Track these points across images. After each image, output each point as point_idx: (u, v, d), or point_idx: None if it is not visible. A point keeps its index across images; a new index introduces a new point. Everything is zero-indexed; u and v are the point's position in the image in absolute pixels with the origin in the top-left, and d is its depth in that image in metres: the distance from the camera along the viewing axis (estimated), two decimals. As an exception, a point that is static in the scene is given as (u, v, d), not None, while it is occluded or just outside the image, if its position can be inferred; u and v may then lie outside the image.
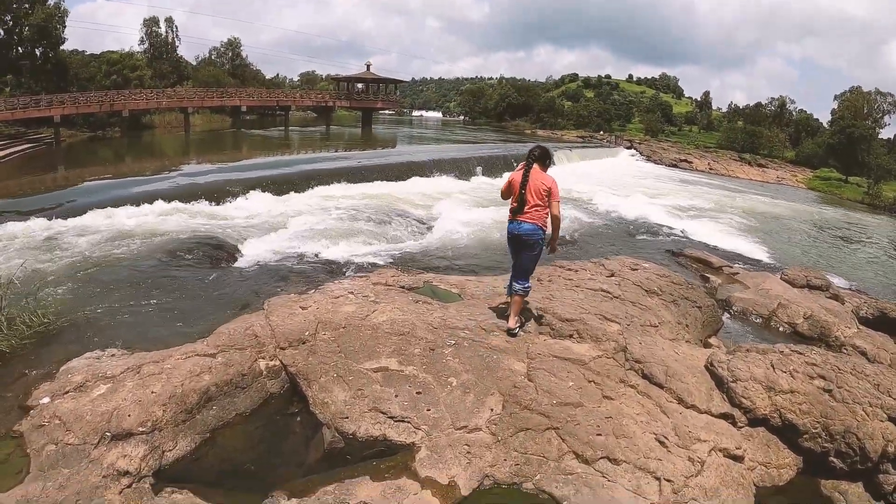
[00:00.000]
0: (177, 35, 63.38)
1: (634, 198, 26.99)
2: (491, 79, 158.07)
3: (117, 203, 13.97)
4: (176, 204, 14.62)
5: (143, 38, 60.98)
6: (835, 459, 5.69)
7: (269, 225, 13.76)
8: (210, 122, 49.25)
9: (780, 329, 11.52)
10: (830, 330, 11.31)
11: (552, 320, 6.62)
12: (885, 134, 72.26)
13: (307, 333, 6.27)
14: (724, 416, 5.71)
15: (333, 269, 10.53)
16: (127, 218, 13.26)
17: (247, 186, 16.71)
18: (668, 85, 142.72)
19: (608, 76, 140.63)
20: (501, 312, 6.86)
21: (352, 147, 36.56)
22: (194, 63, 71.96)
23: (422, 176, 23.58)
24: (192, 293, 9.01)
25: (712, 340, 8.84)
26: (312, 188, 18.51)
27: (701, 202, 30.85)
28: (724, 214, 27.53)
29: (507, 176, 7.38)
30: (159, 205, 14.36)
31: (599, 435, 4.87)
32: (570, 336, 6.36)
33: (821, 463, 5.74)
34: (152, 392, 5.12)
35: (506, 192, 6.56)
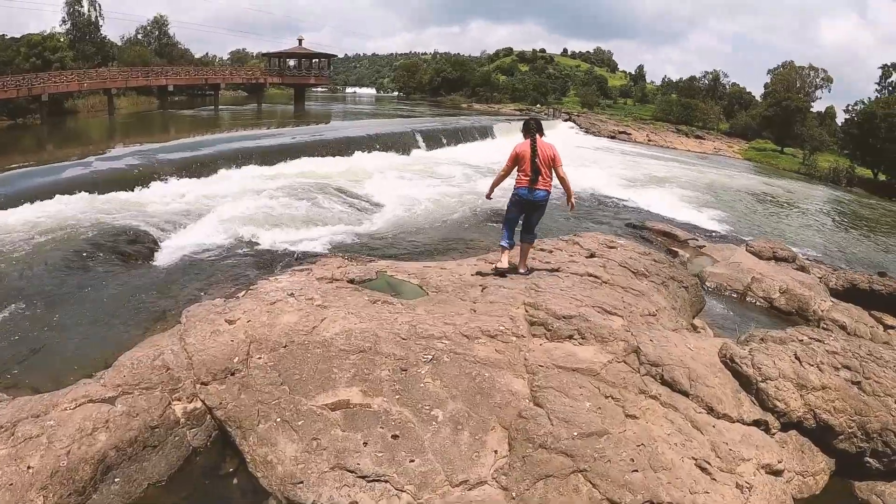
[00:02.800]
0: (100, 14, 59.17)
1: (581, 169, 26.28)
2: (425, 54, 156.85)
3: (12, 199, 11.83)
4: (83, 195, 12.36)
5: (64, 17, 56.69)
6: (871, 460, 5.06)
7: (195, 212, 12.00)
8: (137, 104, 46.04)
9: (757, 304, 11.03)
10: (808, 304, 10.91)
11: (547, 318, 5.55)
12: (816, 107, 74.19)
13: (236, 360, 4.82)
14: (757, 424, 4.83)
15: (268, 262, 9.04)
16: (22, 214, 11.12)
17: (169, 170, 14.80)
18: (602, 59, 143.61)
19: (543, 50, 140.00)
20: (481, 309, 5.82)
21: (285, 124, 34.44)
22: (120, 43, 67.89)
23: (362, 151, 21.97)
24: (95, 304, 7.34)
25: (697, 322, 8.04)
26: (243, 168, 16.77)
27: (647, 172, 30.70)
28: (671, 185, 27.38)
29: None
30: (62, 197, 12.17)
31: (635, 471, 3.80)
32: (571, 337, 5.29)
33: (855, 464, 5.10)
34: (28, 467, 3.67)
35: (511, 165, 6.85)
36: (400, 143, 24.80)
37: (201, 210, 12.17)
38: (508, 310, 5.72)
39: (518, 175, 6.79)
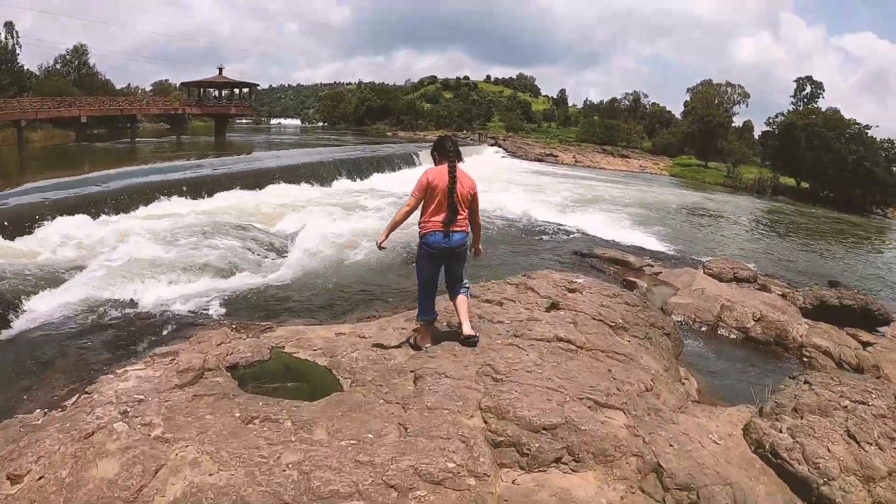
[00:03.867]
0: (17, 42, 55.38)
1: (513, 194, 25.02)
2: (350, 84, 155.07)
3: None
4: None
5: (-21, 45, 52.68)
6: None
7: (78, 261, 9.78)
8: (52, 137, 42.37)
9: (732, 336, 9.78)
10: (786, 331, 9.87)
11: (519, 434, 3.67)
12: (735, 121, 75.98)
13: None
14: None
15: (134, 336, 6.82)
16: None
17: (59, 209, 12.46)
18: (525, 84, 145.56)
19: (466, 77, 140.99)
20: (415, 423, 3.85)
21: (203, 155, 31.81)
22: (38, 73, 63.80)
23: (278, 183, 19.82)
24: None
25: (681, 371, 6.54)
26: (144, 205, 14.53)
27: (579, 194, 29.84)
28: (606, 205, 26.62)
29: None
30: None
31: None
32: (559, 461, 3.47)
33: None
34: None
35: (419, 198, 5.16)
36: (321, 174, 22.66)
37: (87, 256, 10.04)
38: (458, 423, 3.88)
39: (426, 216, 5.12)
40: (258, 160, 25.88)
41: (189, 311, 7.79)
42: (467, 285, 5.53)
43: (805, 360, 9.26)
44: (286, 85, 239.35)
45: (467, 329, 5.30)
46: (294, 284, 9.55)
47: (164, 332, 6.78)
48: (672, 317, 9.72)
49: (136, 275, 8.97)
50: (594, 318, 5.68)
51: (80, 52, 68.99)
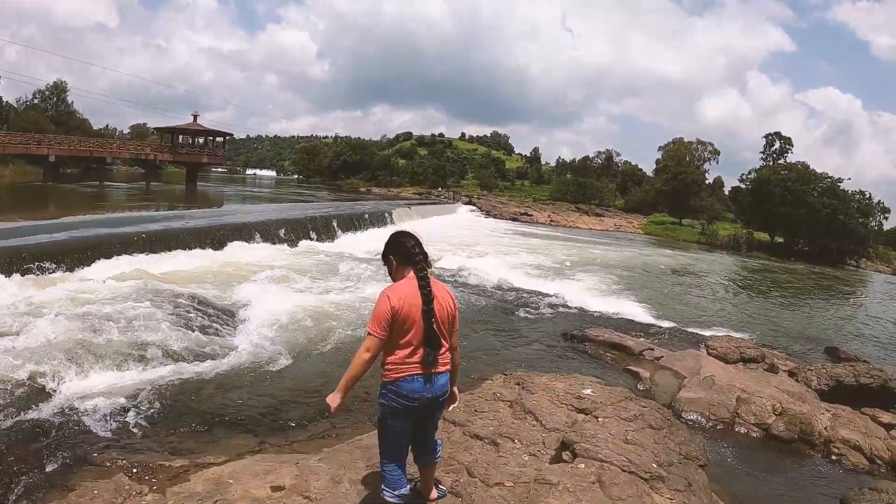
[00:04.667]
0: None
1: (489, 258, 24.01)
2: (326, 137, 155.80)
3: None
4: None
5: (-44, 75, 51.26)
6: None
7: None
8: (24, 173, 40.97)
9: (753, 435, 8.56)
10: (811, 425, 8.70)
11: None
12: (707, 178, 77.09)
13: None
14: None
15: (20, 460, 5.33)
16: None
17: None
18: (499, 142, 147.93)
19: (441, 135, 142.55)
20: None
21: (170, 206, 30.03)
22: (16, 105, 62.20)
23: (242, 241, 18.12)
24: None
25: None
26: (81, 268, 12.34)
27: (558, 257, 28.75)
28: (587, 269, 25.53)
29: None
30: None
31: None
32: None
33: None
34: None
35: (382, 339, 3.65)
36: (288, 232, 21.12)
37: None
38: None
39: (395, 357, 3.69)
40: (229, 213, 24.17)
41: (100, 421, 6.16)
42: (440, 453, 4.22)
43: (834, 458, 8.20)
44: (263, 136, 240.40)
45: (433, 493, 4.24)
46: (239, 380, 7.95)
47: (50, 468, 5.17)
48: (682, 414, 8.63)
49: (45, 361, 7.33)
50: (624, 470, 4.38)
51: (59, 88, 68.17)
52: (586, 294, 18.37)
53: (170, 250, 15.04)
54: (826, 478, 7.63)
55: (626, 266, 29.07)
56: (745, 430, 8.58)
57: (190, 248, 15.70)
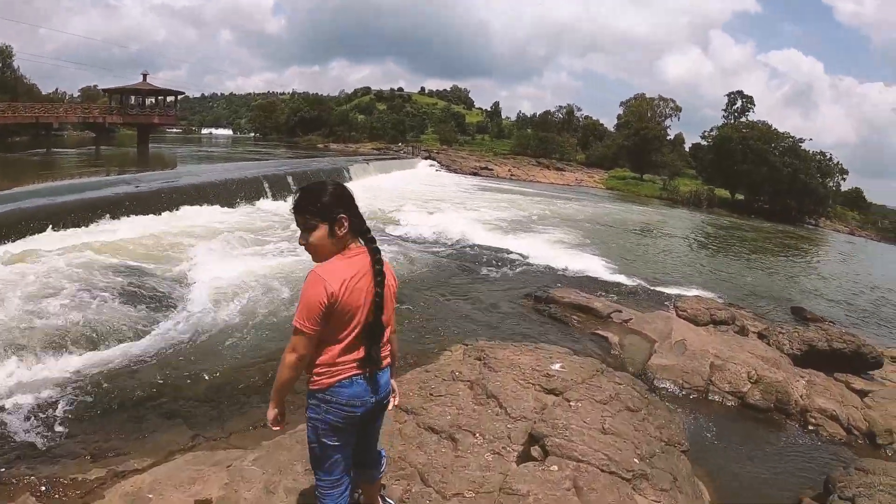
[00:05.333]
0: None
1: (449, 213, 23.17)
2: (283, 94, 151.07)
3: None
4: None
5: None
6: None
7: None
8: None
9: (729, 404, 8.11)
10: (787, 394, 8.25)
11: None
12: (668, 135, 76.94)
13: None
14: None
15: None
16: None
17: None
18: (459, 97, 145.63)
19: (401, 89, 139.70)
20: None
21: (119, 171, 27.97)
22: None
23: (193, 204, 16.59)
24: None
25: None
26: (4, 243, 10.73)
27: (519, 212, 27.95)
28: (549, 224, 24.96)
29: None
30: None
31: None
32: None
33: None
34: None
35: (313, 337, 2.73)
36: (242, 193, 19.60)
37: None
38: None
39: (329, 355, 2.79)
40: (177, 177, 22.22)
41: (15, 424, 5.29)
42: (385, 457, 3.43)
43: (812, 428, 7.77)
44: (219, 94, 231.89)
45: None
46: (178, 360, 7.08)
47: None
48: (654, 381, 8.06)
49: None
50: (603, 471, 3.66)
51: (4, 53, 64.02)
52: (550, 250, 17.74)
53: (114, 218, 13.61)
54: (806, 451, 7.17)
55: (589, 221, 28.59)
56: (721, 399, 8.08)
57: (135, 215, 14.24)
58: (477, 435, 4.44)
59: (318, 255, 2.78)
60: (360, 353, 2.82)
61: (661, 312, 10.95)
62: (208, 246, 12.37)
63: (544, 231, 22.34)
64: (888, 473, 5.47)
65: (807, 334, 10.36)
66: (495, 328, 9.40)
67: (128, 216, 14.01)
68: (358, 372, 2.81)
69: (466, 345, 6.99)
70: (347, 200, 2.82)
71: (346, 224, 2.74)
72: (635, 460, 4.04)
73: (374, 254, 2.84)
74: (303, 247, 2.80)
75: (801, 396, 8.23)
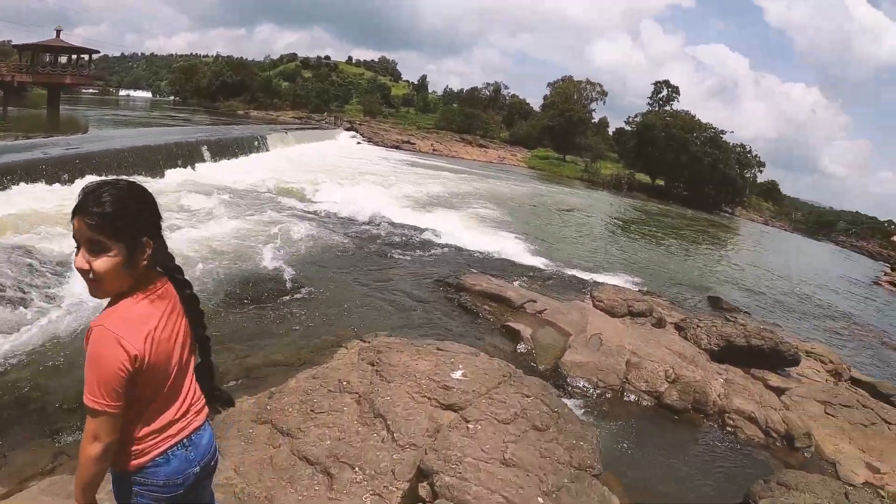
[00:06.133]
0: None
1: (366, 189, 22.11)
2: (207, 56, 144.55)
3: None
4: None
5: None
6: None
7: None
8: None
9: (645, 404, 7.67)
10: (705, 394, 7.90)
11: None
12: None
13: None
14: None
15: None
16: None
17: None
18: (386, 68, 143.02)
19: (327, 57, 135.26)
20: None
21: (23, 135, 24.96)
22: None
23: (94, 174, 13.63)
24: None
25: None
26: None
27: (438, 188, 27.25)
28: (467, 202, 24.35)
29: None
30: None
31: None
32: None
33: None
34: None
35: (117, 414, 1.81)
36: (151, 161, 17.79)
37: None
38: None
39: (144, 427, 1.95)
40: (84, 142, 19.86)
41: None
42: None
43: (730, 429, 7.46)
44: (139, 54, 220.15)
45: None
46: (53, 358, 5.93)
47: None
48: (567, 379, 7.48)
49: None
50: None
51: None
52: (468, 230, 17.07)
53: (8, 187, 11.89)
54: (725, 456, 6.88)
55: (509, 200, 28.12)
56: (637, 399, 7.63)
57: (32, 183, 12.58)
58: (356, 469, 3.69)
59: (103, 289, 1.88)
60: (175, 415, 2.05)
61: (577, 303, 10.45)
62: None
63: (463, 210, 21.66)
64: (810, 489, 5.07)
65: (725, 329, 10.09)
66: (401, 319, 8.66)
67: (30, 182, 12.44)
68: (175, 440, 2.04)
69: (365, 341, 6.23)
70: (155, 216, 1.98)
71: (148, 250, 1.92)
72: (539, 499, 3.37)
73: (187, 296, 2.10)
74: (79, 272, 1.87)
75: (719, 396, 7.91)
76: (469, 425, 4.03)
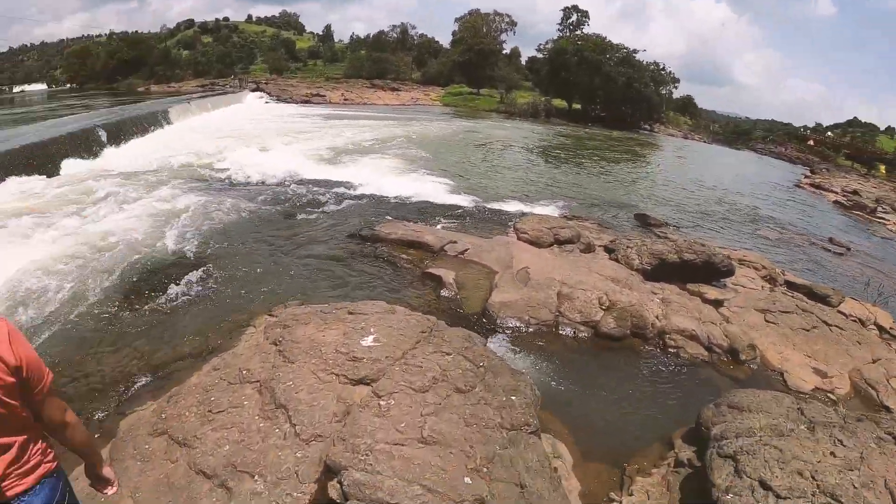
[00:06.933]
0: None
1: (276, 150, 20.88)
2: (100, 36, 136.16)
3: None
4: None
5: None
6: None
7: None
8: None
9: (582, 335, 7.28)
10: (643, 317, 7.63)
11: None
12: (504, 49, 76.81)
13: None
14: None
15: None
16: None
17: None
18: (289, 22, 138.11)
19: (226, 19, 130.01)
20: None
21: None
22: None
23: None
24: None
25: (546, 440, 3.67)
26: None
27: (352, 137, 26.15)
28: (382, 149, 23.29)
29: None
30: None
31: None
32: None
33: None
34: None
35: None
36: (42, 156, 16.06)
37: None
38: None
39: None
40: None
41: None
42: None
43: (672, 350, 7.19)
44: (29, 45, 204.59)
45: None
46: None
47: None
48: (497, 320, 6.98)
49: None
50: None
51: None
52: (383, 177, 16.30)
53: None
54: (670, 379, 6.58)
55: (424, 140, 27.26)
56: (573, 332, 7.22)
57: None
58: (256, 477, 3.11)
59: None
60: None
61: (500, 238, 9.95)
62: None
63: (377, 157, 20.70)
64: (763, 409, 4.71)
65: (655, 247, 9.76)
66: (314, 283, 7.97)
67: None
68: None
69: (273, 315, 5.57)
70: None
71: None
72: (467, 479, 2.84)
73: None
74: None
75: (657, 318, 7.63)
76: (381, 401, 3.47)
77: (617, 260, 9.65)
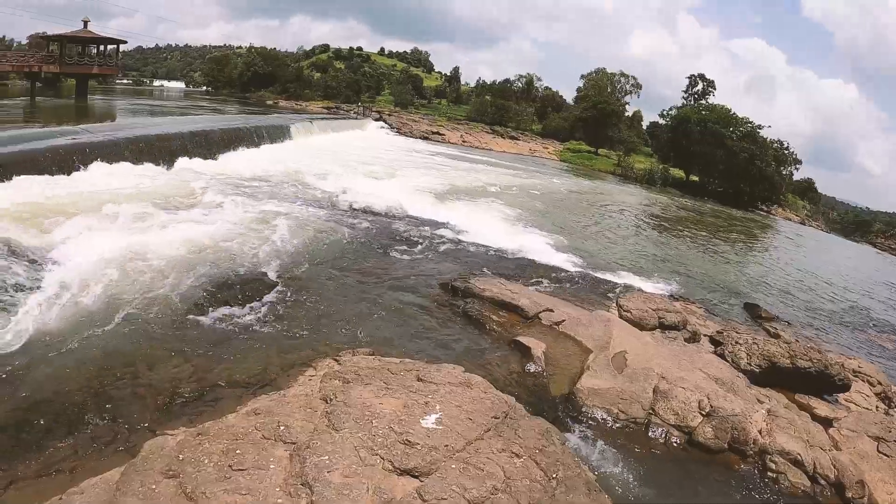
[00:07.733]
0: None
1: (386, 181, 21.14)
2: (240, 47, 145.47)
3: None
4: None
5: None
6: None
7: None
8: None
9: (673, 441, 6.48)
10: (746, 431, 6.69)
11: None
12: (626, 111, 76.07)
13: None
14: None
15: None
16: None
17: None
18: (419, 59, 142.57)
19: (360, 48, 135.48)
20: None
21: (51, 122, 23.94)
22: None
23: (104, 162, 13.95)
24: None
25: None
26: None
27: (463, 180, 26.15)
28: (493, 195, 23.06)
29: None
30: None
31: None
32: None
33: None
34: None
35: None
36: (162, 150, 16.99)
37: None
38: None
39: None
40: (103, 130, 18.57)
41: None
42: None
43: (771, 475, 6.27)
44: (173, 45, 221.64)
45: None
46: (12, 368, 5.16)
47: None
48: (582, 408, 6.37)
49: None
50: None
51: None
52: (487, 225, 15.99)
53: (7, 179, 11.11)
54: None
55: (537, 193, 26.86)
56: (664, 436, 6.48)
57: (32, 175, 11.71)
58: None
59: None
60: None
61: (600, 313, 9.27)
62: (94, 215, 9.89)
63: (486, 203, 20.50)
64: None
65: (767, 348, 8.84)
66: (392, 330, 7.58)
67: (25, 174, 11.51)
68: None
69: (338, 360, 5.21)
70: None
71: None
72: None
73: None
74: None
75: (760, 433, 6.75)
76: (427, 507, 2.95)
77: (723, 356, 8.78)
